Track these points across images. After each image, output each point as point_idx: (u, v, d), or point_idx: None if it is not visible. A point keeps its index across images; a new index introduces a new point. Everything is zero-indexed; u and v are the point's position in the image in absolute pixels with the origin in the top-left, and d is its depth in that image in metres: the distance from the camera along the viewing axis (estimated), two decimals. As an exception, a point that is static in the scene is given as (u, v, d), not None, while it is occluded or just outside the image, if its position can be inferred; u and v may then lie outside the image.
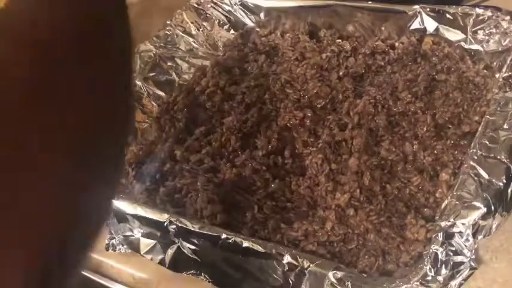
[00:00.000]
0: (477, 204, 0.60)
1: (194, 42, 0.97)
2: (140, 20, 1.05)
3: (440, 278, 0.57)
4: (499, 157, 0.63)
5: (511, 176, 0.62)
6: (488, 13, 0.75)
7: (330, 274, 0.60)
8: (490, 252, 0.64)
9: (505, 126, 0.65)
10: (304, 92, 0.82)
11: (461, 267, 0.58)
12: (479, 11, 0.76)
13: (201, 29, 0.98)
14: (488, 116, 0.68)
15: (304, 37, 0.90)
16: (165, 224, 0.71)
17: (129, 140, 0.82)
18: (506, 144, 0.64)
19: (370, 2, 0.84)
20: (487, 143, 0.65)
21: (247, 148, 0.80)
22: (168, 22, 0.97)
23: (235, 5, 0.96)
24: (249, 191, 0.76)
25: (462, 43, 0.78)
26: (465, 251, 0.58)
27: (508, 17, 0.74)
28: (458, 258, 0.58)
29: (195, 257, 0.68)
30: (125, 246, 0.73)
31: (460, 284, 0.58)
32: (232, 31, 0.98)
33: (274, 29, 0.94)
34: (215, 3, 0.98)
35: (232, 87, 0.88)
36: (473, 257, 0.58)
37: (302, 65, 0.85)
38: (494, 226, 0.61)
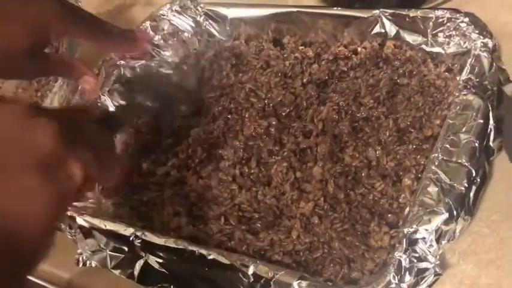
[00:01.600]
0: (439, 209, 0.60)
1: (159, 53, 0.96)
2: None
3: (404, 286, 0.57)
4: (460, 161, 0.63)
5: (472, 179, 0.62)
6: (448, 15, 0.75)
7: (295, 284, 0.60)
8: (457, 255, 0.64)
9: (466, 129, 0.65)
10: (269, 101, 0.82)
11: (426, 273, 0.58)
12: (438, 13, 0.75)
13: (166, 40, 0.97)
14: (449, 120, 0.67)
15: (269, 45, 0.90)
16: (131, 239, 0.70)
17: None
18: (467, 147, 0.64)
19: (332, 8, 0.83)
20: (448, 146, 0.64)
21: (214, 159, 0.80)
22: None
23: (199, 15, 0.95)
24: (215, 202, 0.76)
25: (423, 46, 0.78)
26: (429, 257, 0.58)
27: (466, 19, 0.74)
28: (423, 265, 0.58)
29: (163, 270, 0.68)
30: (94, 262, 0.73)
31: (425, 291, 0.58)
32: (197, 41, 0.97)
33: (238, 37, 0.93)
34: (180, 14, 0.97)
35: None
36: (438, 262, 0.58)
37: (266, 73, 0.85)
38: (457, 230, 0.61)
